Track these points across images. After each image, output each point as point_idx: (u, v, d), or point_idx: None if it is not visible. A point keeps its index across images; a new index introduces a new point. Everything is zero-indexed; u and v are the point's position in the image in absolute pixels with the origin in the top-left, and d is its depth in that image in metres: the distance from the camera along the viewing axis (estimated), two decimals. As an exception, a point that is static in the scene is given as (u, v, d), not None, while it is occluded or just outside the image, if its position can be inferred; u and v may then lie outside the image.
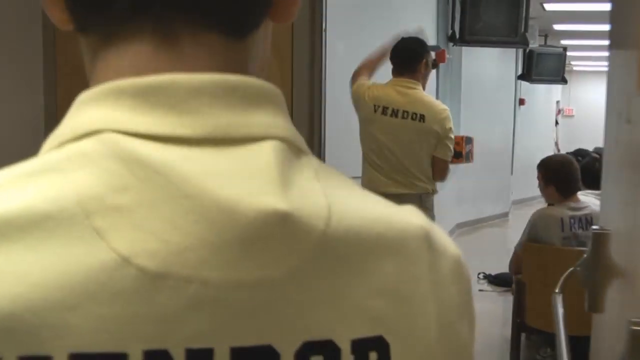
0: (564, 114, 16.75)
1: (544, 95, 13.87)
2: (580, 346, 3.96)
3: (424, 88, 3.57)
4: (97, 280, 0.38)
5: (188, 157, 0.42)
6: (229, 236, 0.40)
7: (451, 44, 6.81)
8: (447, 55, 7.06)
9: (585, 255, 1.50)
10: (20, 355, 0.38)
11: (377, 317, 0.45)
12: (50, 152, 0.44)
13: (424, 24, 6.75)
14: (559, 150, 8.31)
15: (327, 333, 0.43)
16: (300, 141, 0.47)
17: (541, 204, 4.56)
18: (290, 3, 0.50)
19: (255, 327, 0.41)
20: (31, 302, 0.38)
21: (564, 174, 3.90)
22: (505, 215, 10.79)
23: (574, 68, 16.10)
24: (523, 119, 12.00)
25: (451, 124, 3.50)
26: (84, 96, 0.45)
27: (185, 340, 0.40)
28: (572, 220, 3.77)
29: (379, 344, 0.45)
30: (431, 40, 7.02)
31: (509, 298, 4.55)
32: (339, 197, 0.46)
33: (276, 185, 0.42)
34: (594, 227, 1.50)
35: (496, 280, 6.33)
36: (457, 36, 6.53)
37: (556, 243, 3.77)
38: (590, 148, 8.09)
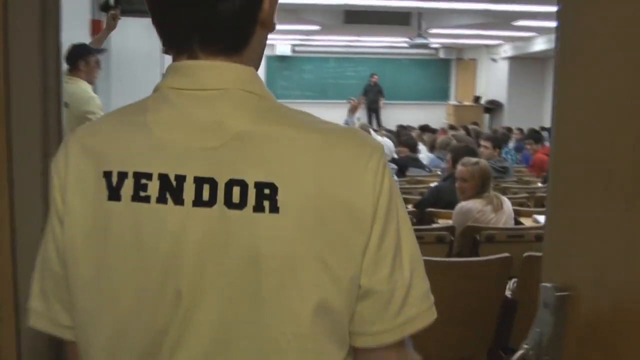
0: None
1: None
2: None
3: (92, 77, 4.74)
4: (146, 146, 0.93)
5: (187, 96, 0.94)
6: (195, 128, 0.93)
7: (105, 13, 5.92)
8: (103, 27, 6.20)
9: (536, 329, 0.99)
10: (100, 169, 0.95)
11: (273, 172, 0.90)
12: (150, 96, 1.01)
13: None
14: None
15: (242, 175, 0.90)
16: (259, 90, 0.97)
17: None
18: (268, 24, 1.00)
19: (206, 167, 0.91)
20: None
21: None
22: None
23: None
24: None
25: (88, 107, 4.44)
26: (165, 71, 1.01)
27: (173, 168, 0.91)
28: None
29: (271, 186, 0.89)
30: (85, 9, 6.14)
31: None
32: (270, 117, 0.95)
33: (222, 108, 0.93)
34: (546, 284, 0.98)
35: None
36: (112, 4, 5.66)
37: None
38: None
